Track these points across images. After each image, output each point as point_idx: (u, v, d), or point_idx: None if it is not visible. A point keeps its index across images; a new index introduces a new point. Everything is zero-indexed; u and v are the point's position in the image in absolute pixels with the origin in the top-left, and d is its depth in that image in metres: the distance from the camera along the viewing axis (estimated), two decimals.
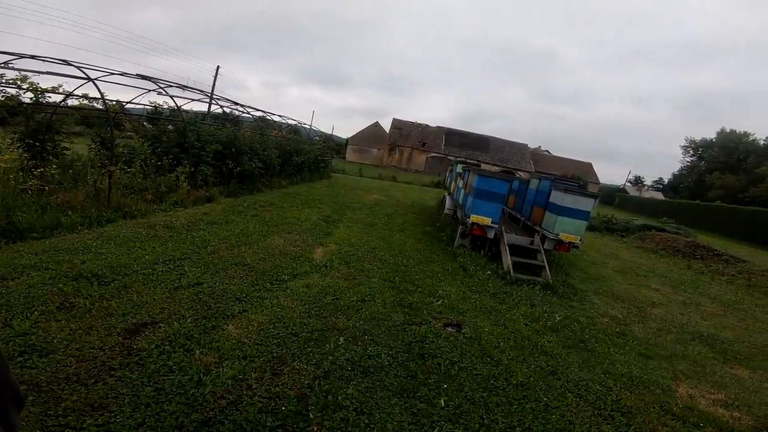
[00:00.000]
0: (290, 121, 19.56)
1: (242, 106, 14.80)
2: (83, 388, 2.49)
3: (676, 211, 29.37)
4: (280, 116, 18.55)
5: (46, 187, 6.33)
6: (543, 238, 7.51)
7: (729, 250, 12.82)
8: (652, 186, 69.50)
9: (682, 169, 63.49)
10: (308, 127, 22.99)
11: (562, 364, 3.93)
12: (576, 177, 41.14)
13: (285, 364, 3.11)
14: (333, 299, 4.50)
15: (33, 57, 6.79)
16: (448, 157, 44.71)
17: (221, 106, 14.65)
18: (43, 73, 7.29)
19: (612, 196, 47.03)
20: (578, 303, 6.06)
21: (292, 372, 3.02)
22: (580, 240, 7.29)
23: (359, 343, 3.63)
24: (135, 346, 3.00)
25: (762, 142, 50.15)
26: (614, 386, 3.66)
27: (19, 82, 7.11)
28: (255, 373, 2.92)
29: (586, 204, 7.18)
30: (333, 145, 36.39)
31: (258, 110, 15.79)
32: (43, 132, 7.42)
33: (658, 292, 7.78)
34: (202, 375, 2.78)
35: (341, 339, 3.62)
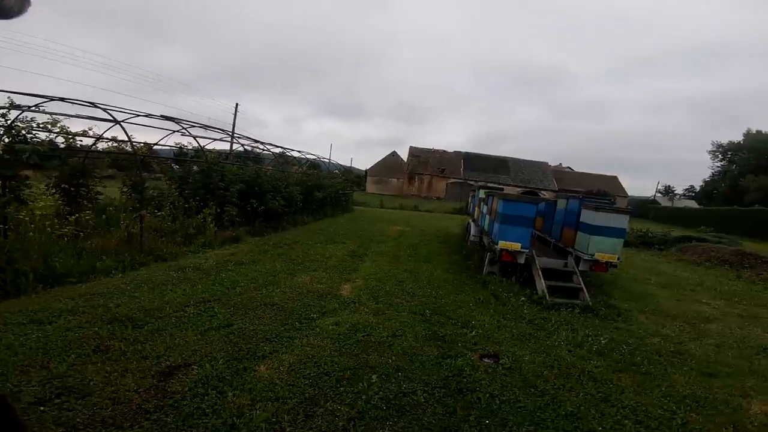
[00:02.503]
0: (309, 156, 20.01)
1: (262, 143, 15.15)
2: None
3: (713, 218, 27.97)
4: (299, 152, 19.03)
5: (82, 233, 6.54)
6: (577, 260, 7.20)
7: None
8: (684, 195, 66.91)
9: (713, 174, 60.74)
10: (327, 161, 23.45)
11: (614, 389, 3.64)
12: (603, 192, 40.04)
13: (318, 405, 2.99)
14: (363, 336, 4.36)
15: (62, 99, 6.90)
16: (468, 181, 44.54)
17: (242, 145, 15.05)
18: (72, 116, 7.43)
19: (643, 208, 45.40)
20: (624, 324, 5.70)
21: (325, 413, 2.89)
22: (618, 259, 6.95)
23: (393, 380, 3.48)
24: (169, 389, 2.98)
25: None
26: (678, 409, 3.35)
27: (50, 126, 7.17)
28: (288, 416, 2.81)
29: (620, 221, 6.88)
30: (353, 178, 36.94)
31: (277, 147, 16.18)
32: (77, 176, 7.68)
33: (710, 305, 7.27)
34: (235, 418, 2.70)
35: (374, 377, 3.48)
